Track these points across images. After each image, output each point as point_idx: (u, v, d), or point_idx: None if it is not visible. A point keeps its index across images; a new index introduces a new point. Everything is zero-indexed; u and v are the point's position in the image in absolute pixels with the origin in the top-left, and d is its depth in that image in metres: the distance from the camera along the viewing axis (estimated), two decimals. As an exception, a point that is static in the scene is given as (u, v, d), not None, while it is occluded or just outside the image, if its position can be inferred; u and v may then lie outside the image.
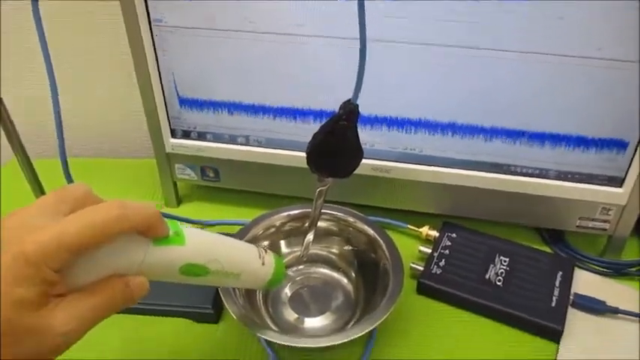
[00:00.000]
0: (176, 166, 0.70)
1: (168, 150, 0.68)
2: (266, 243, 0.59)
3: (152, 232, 0.36)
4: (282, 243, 0.61)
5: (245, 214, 0.64)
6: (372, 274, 0.57)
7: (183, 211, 0.73)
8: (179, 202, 0.74)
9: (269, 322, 0.55)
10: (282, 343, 0.47)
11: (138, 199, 0.75)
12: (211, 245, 0.42)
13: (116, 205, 0.34)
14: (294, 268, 0.61)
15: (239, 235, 0.57)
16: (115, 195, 0.73)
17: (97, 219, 0.33)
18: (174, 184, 0.72)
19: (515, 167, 0.60)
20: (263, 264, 0.47)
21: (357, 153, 0.50)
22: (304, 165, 0.49)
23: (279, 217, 0.60)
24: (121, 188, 0.77)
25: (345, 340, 0.47)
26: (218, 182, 0.70)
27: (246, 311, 0.51)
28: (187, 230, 0.39)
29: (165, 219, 0.38)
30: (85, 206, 0.34)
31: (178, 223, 0.40)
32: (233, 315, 0.49)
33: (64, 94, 0.54)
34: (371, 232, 0.58)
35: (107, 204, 0.34)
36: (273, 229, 0.60)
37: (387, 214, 0.67)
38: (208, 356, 0.54)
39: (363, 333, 0.48)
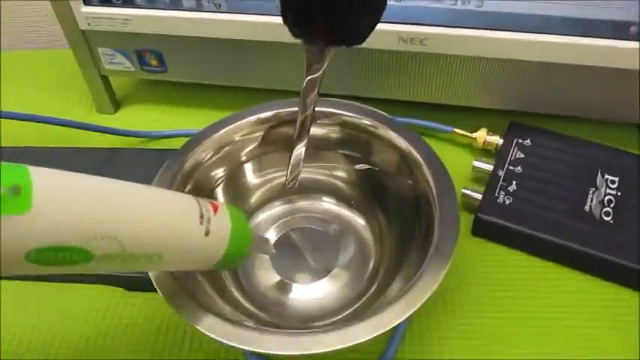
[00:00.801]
0: (100, 51, 0.46)
1: (82, 26, 0.45)
2: (220, 173, 0.36)
3: None
4: (248, 168, 0.38)
5: (208, 119, 0.41)
6: (404, 209, 0.35)
7: (121, 118, 0.51)
8: (116, 106, 0.52)
9: (234, 291, 0.34)
10: (230, 344, 0.26)
11: (59, 108, 0.54)
12: (95, 209, 0.21)
13: None
14: (276, 203, 0.39)
15: (168, 172, 0.34)
16: (25, 104, 0.52)
17: None
18: (105, 80, 0.50)
19: (635, 26, 0.36)
20: (207, 233, 0.25)
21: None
22: (287, 39, 0.27)
23: (240, 127, 0.36)
24: (32, 92, 0.54)
25: (358, 343, 0.26)
26: (164, 73, 0.47)
27: (190, 279, 0.30)
28: (46, 180, 0.20)
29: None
30: None
31: (29, 168, 0.20)
32: (159, 291, 0.28)
33: None
34: (401, 141, 0.35)
35: None
36: (229, 148, 0.36)
37: (422, 112, 0.44)
38: (143, 337, 0.34)
39: (396, 324, 0.26)
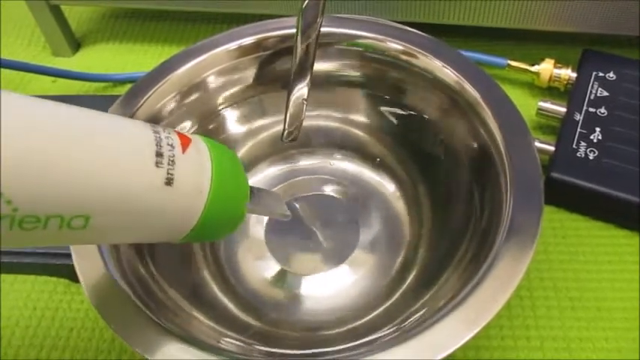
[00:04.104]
0: (44, -30, 0.36)
1: None
2: (188, 124, 0.26)
3: None
4: (229, 116, 0.27)
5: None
6: (454, 172, 0.25)
7: (81, 61, 0.40)
8: (76, 46, 0.42)
9: (214, 287, 0.24)
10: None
11: (2, 52, 0.43)
12: None
13: None
14: (271, 163, 0.28)
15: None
16: None
17: None
18: (57, 13, 0.39)
19: None
20: (169, 181, 0.16)
21: None
22: None
23: (213, 59, 0.26)
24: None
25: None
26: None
27: (144, 269, 0.21)
28: None
29: None
30: None
31: None
32: (85, 292, 0.19)
33: None
34: (449, 73, 0.24)
35: None
36: (200, 89, 0.26)
37: (462, 42, 0.34)
38: (91, 348, 0.25)
39: (458, 347, 0.17)
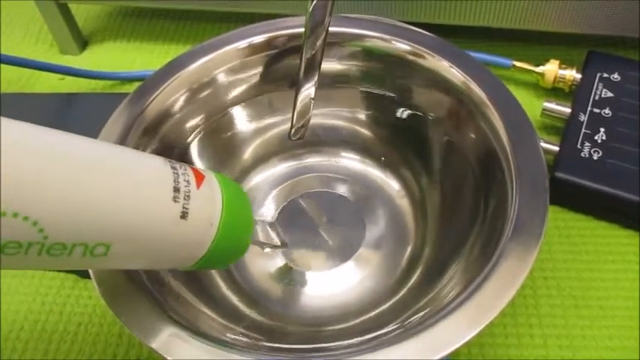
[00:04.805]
0: (53, -32, 0.36)
1: None
2: (197, 122, 0.26)
3: None
4: (237, 114, 0.27)
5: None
6: (460, 171, 0.25)
7: (88, 59, 0.41)
8: (83, 44, 0.42)
9: (219, 282, 0.24)
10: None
11: (11, 48, 0.44)
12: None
13: None
14: (278, 161, 0.29)
15: (118, 124, 0.24)
16: None
17: None
18: (65, 11, 0.39)
19: None
20: (184, 215, 0.17)
21: None
22: None
23: (223, 57, 0.26)
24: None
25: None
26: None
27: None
28: None
29: None
30: None
31: None
32: (95, 287, 0.19)
33: None
34: (456, 74, 0.25)
35: None
36: (209, 87, 0.26)
37: (468, 43, 0.34)
38: (99, 341, 0.26)
39: (460, 345, 0.17)
